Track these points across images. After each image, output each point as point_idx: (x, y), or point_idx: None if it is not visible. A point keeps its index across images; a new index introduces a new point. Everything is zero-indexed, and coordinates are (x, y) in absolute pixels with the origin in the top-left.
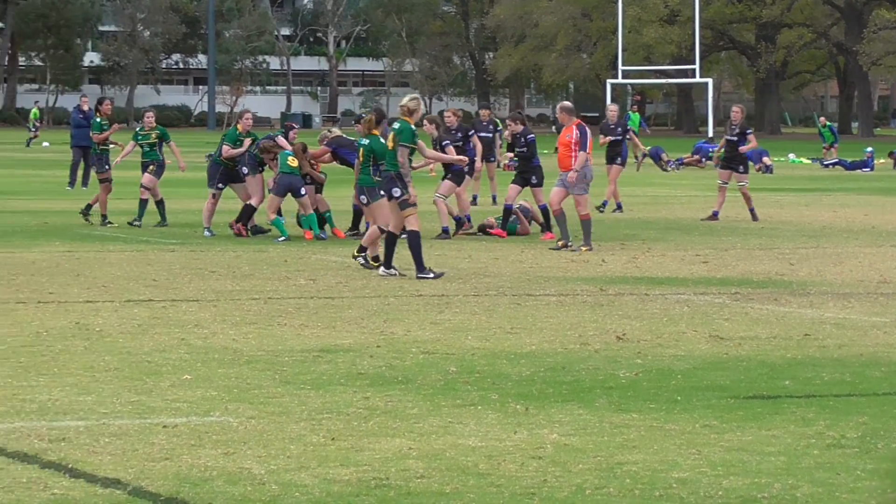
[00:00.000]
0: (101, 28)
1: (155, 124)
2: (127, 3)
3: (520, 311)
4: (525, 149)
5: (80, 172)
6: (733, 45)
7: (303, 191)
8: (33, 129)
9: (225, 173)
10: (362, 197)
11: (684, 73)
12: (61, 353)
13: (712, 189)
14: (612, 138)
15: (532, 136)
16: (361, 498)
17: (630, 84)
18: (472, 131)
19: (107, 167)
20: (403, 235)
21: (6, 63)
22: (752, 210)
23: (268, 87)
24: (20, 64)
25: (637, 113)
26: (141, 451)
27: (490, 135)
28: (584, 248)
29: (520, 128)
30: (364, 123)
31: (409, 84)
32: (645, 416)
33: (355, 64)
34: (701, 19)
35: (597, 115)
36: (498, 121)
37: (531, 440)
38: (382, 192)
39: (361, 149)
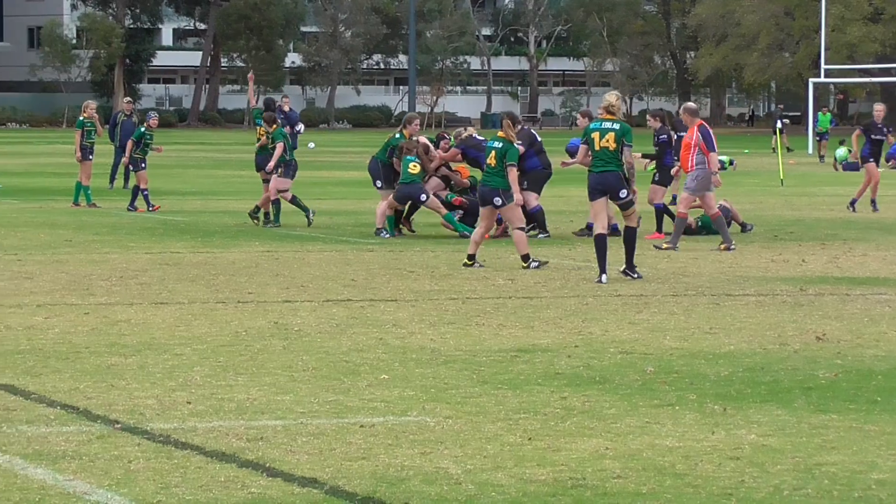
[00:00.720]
0: (302, 29)
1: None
2: (328, 3)
3: (719, 312)
4: (656, 147)
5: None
6: None
7: (423, 197)
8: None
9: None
10: (497, 199)
11: (888, 72)
12: (260, 352)
13: None
14: (880, 137)
15: (664, 136)
16: (558, 498)
17: (833, 83)
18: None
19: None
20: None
21: (208, 64)
22: None
23: (468, 88)
24: (222, 65)
25: (827, 113)
26: (338, 450)
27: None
28: (665, 246)
29: (658, 125)
30: (504, 127)
31: (609, 84)
32: (844, 416)
33: (556, 63)
34: None
35: (798, 114)
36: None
37: (729, 441)
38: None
39: (494, 151)
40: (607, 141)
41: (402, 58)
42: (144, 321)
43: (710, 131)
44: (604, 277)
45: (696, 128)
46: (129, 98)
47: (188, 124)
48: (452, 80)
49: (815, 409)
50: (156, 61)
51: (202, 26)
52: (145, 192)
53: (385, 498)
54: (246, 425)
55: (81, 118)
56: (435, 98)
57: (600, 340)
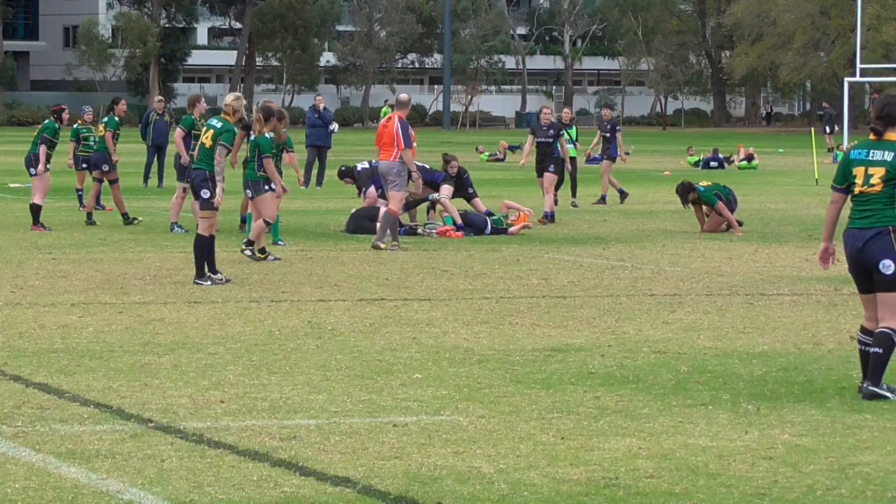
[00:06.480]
0: (337, 28)
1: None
2: (364, 3)
3: (753, 311)
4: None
5: (314, 172)
6: None
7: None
8: None
9: None
10: (248, 191)
11: None
12: (293, 351)
13: None
14: None
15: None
16: (591, 497)
17: (868, 82)
18: (563, 130)
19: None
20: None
21: (244, 63)
22: None
23: (502, 87)
24: (257, 64)
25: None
26: (371, 449)
27: None
28: (381, 245)
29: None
30: (254, 122)
31: (644, 83)
32: (878, 416)
33: (590, 63)
34: None
35: (833, 113)
36: None
37: (762, 440)
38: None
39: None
40: (210, 139)
41: (437, 57)
42: (178, 320)
43: (408, 126)
44: (208, 281)
45: (393, 122)
46: (160, 97)
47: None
48: (487, 80)
49: (849, 408)
50: (191, 60)
51: (237, 25)
52: (79, 192)
53: (418, 497)
54: (279, 424)
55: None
56: (469, 97)
57: (634, 340)
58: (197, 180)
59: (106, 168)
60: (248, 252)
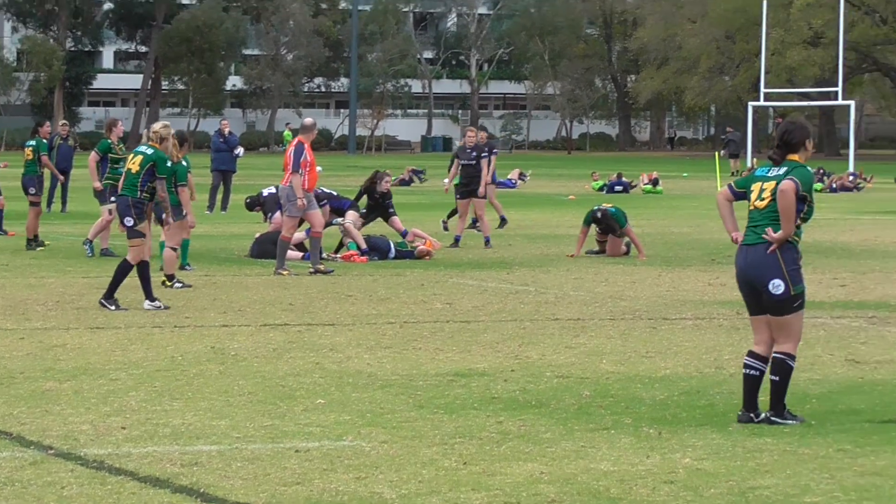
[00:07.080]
0: (244, 52)
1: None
2: (271, 26)
3: (655, 335)
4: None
5: (219, 196)
6: (877, 67)
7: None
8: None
9: None
10: (163, 215)
11: (827, 96)
12: (196, 377)
13: (854, 212)
14: None
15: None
16: None
17: (772, 106)
18: (486, 152)
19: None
20: None
21: (149, 87)
22: None
23: (409, 111)
24: (163, 88)
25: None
26: (273, 475)
27: None
28: (283, 272)
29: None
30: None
31: (549, 107)
32: (778, 440)
33: (497, 87)
34: (845, 41)
35: (738, 137)
36: None
37: (664, 464)
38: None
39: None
40: (138, 165)
41: (344, 80)
42: (80, 346)
43: (305, 152)
44: (113, 306)
45: (293, 145)
46: (65, 121)
47: (128, 147)
48: (393, 103)
49: (750, 432)
50: (96, 84)
51: (144, 49)
52: None
53: None
54: (181, 450)
55: None
56: (376, 121)
57: (537, 364)
58: (121, 206)
59: (33, 191)
60: (178, 286)
